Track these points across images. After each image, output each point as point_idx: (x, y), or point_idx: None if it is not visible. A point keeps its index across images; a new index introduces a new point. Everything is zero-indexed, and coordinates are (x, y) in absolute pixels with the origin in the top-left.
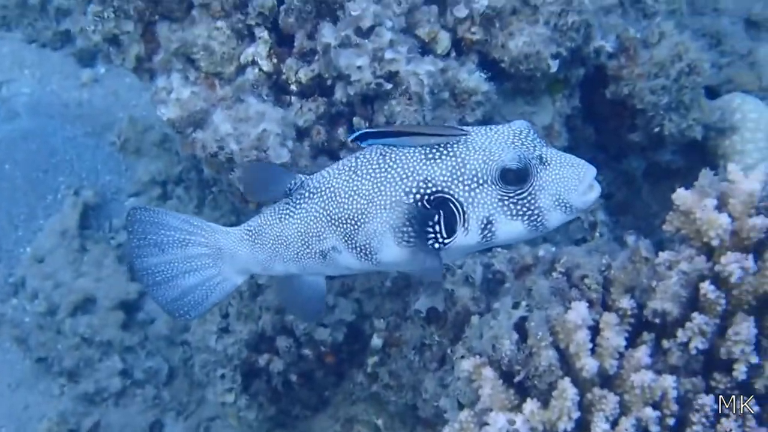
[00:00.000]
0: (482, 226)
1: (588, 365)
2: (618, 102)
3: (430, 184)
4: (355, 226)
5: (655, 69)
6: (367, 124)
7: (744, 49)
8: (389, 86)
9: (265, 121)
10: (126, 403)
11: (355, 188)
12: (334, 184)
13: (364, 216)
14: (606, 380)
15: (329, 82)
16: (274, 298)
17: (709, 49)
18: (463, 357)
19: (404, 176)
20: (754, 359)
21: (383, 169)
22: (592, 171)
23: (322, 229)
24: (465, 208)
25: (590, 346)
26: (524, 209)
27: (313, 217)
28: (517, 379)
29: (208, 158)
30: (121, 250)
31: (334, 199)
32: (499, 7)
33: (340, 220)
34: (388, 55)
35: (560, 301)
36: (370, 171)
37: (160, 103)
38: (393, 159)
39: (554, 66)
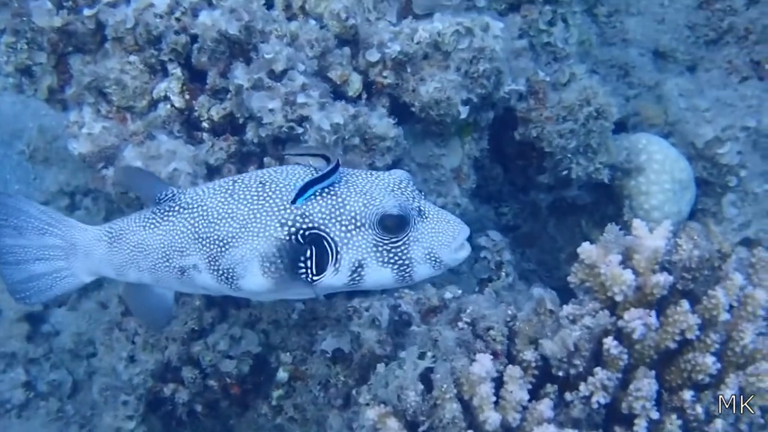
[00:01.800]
0: (353, 268)
1: (491, 419)
2: (526, 143)
3: (307, 219)
4: (222, 249)
5: (564, 112)
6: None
7: (651, 81)
8: (301, 130)
9: (176, 160)
10: (29, 415)
11: (229, 211)
12: (207, 202)
13: (233, 240)
14: None
15: (241, 121)
16: (180, 328)
17: (617, 80)
18: (368, 405)
19: (282, 207)
20: (655, 415)
21: (261, 197)
22: (466, 230)
23: (186, 246)
24: (339, 248)
25: (494, 399)
26: (396, 258)
27: (179, 232)
28: (421, 429)
29: (118, 195)
30: None
31: (204, 217)
32: (411, 53)
33: (207, 240)
34: (300, 99)
35: (465, 352)
36: (248, 196)
37: (72, 138)
38: (272, 189)
39: (464, 112)
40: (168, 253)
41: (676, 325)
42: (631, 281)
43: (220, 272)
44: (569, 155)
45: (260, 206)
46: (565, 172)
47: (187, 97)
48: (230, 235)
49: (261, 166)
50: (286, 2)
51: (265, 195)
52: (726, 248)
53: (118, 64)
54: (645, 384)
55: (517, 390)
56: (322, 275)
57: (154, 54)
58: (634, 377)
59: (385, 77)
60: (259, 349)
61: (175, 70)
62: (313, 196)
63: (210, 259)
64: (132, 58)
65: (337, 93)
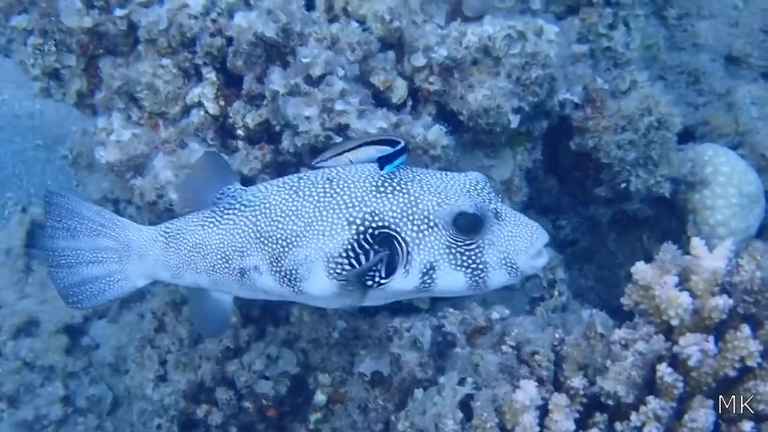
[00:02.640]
0: (424, 270)
1: None
2: (583, 154)
3: (377, 218)
4: (286, 249)
5: (623, 122)
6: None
7: (722, 89)
8: (339, 139)
9: None
10: (67, 431)
11: (294, 208)
12: (271, 200)
13: (298, 239)
14: None
15: (277, 129)
16: (214, 347)
17: (686, 87)
18: None
19: (350, 205)
20: None
21: (328, 194)
22: (545, 236)
23: (248, 246)
24: (410, 249)
25: (538, 429)
26: (470, 261)
27: (240, 231)
28: None
29: (147, 206)
30: None
31: (267, 215)
32: (459, 58)
33: (269, 239)
34: (339, 106)
35: (508, 378)
36: (314, 193)
37: (99, 145)
38: (340, 185)
39: (515, 121)
40: (227, 253)
41: (736, 351)
42: (687, 304)
43: (283, 274)
44: (628, 167)
45: (327, 204)
46: (623, 185)
47: (222, 103)
48: (294, 234)
49: None
50: (327, 3)
51: (333, 192)
52: None
53: (151, 67)
54: (701, 414)
55: (563, 420)
56: (390, 278)
57: (188, 57)
58: (689, 407)
59: (432, 83)
60: (297, 370)
61: (210, 75)
62: (384, 192)
63: (272, 259)
64: (165, 61)
65: (380, 100)
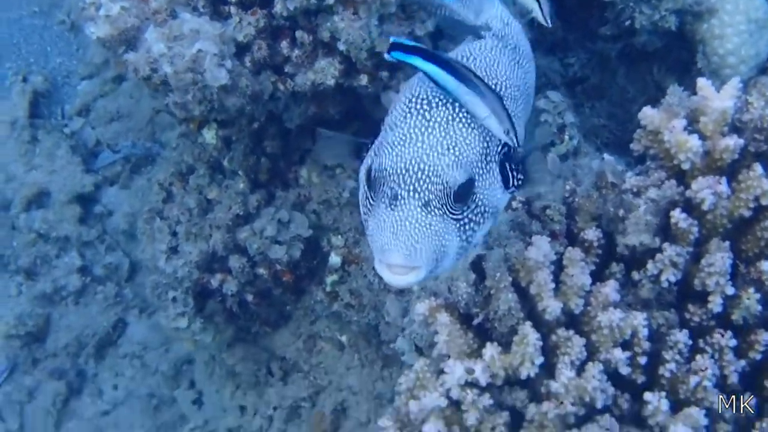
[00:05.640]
0: None
1: (551, 307)
2: None
3: None
4: None
5: None
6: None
7: None
8: (331, 0)
9: (201, 40)
10: (86, 301)
11: None
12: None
13: None
14: (572, 320)
15: None
16: (224, 215)
17: None
18: (418, 297)
19: None
20: (730, 290)
21: None
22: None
23: None
24: None
25: (553, 285)
26: None
27: None
28: (475, 321)
29: (143, 81)
30: (75, 138)
31: None
32: None
33: None
34: None
35: (520, 235)
36: None
37: (89, 21)
38: None
39: None
40: None
41: (750, 191)
42: (697, 147)
43: None
44: (632, 3)
45: None
46: (628, 22)
47: None
48: None
49: (293, 41)
50: None
51: None
52: None
53: None
54: (718, 258)
55: (578, 274)
56: None
57: None
58: (706, 251)
59: None
60: (310, 232)
61: None
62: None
63: None
64: None
65: None
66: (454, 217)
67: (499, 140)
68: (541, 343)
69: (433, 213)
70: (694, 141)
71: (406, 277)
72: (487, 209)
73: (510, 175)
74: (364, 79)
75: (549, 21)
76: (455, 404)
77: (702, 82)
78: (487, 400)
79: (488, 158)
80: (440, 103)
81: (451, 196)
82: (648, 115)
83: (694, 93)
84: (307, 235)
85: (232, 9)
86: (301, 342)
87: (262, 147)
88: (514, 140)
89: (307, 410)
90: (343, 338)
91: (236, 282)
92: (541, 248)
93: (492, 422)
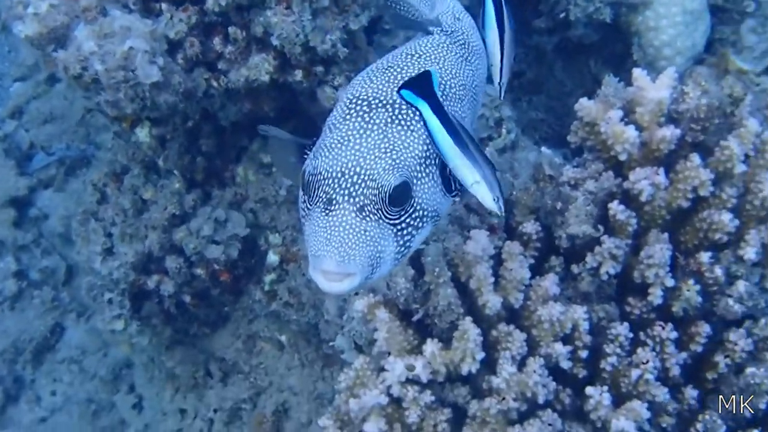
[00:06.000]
0: None
1: (491, 302)
2: None
3: None
4: None
5: None
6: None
7: None
8: None
9: (132, 37)
10: (23, 306)
11: None
12: None
13: None
14: (512, 314)
15: None
16: (159, 215)
17: None
18: (356, 294)
19: None
20: (670, 282)
21: None
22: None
23: None
24: None
25: (492, 280)
26: None
27: None
28: (415, 318)
29: (73, 80)
30: (8, 141)
31: None
32: None
33: None
34: None
35: (458, 230)
36: None
37: (17, 19)
38: None
39: None
40: None
41: (688, 181)
42: (634, 138)
43: None
44: None
45: None
46: (562, 14)
47: None
48: None
49: (226, 37)
50: None
51: None
52: (737, 92)
53: None
54: (657, 250)
55: (517, 267)
56: None
57: None
58: (645, 243)
59: None
60: (247, 231)
61: None
62: None
63: None
64: None
65: None
66: (391, 222)
67: None
68: (481, 338)
69: (368, 218)
70: (630, 132)
71: (340, 284)
72: (426, 213)
73: (452, 179)
74: (298, 75)
75: (502, 93)
76: (396, 402)
77: (637, 73)
78: (428, 396)
79: (428, 162)
80: (380, 105)
81: (386, 201)
82: (584, 106)
83: (630, 84)
84: (245, 234)
85: (164, 5)
86: (240, 342)
87: (197, 145)
88: (502, 209)
89: (248, 412)
90: (283, 338)
91: (173, 283)
92: (480, 242)
93: (434, 419)
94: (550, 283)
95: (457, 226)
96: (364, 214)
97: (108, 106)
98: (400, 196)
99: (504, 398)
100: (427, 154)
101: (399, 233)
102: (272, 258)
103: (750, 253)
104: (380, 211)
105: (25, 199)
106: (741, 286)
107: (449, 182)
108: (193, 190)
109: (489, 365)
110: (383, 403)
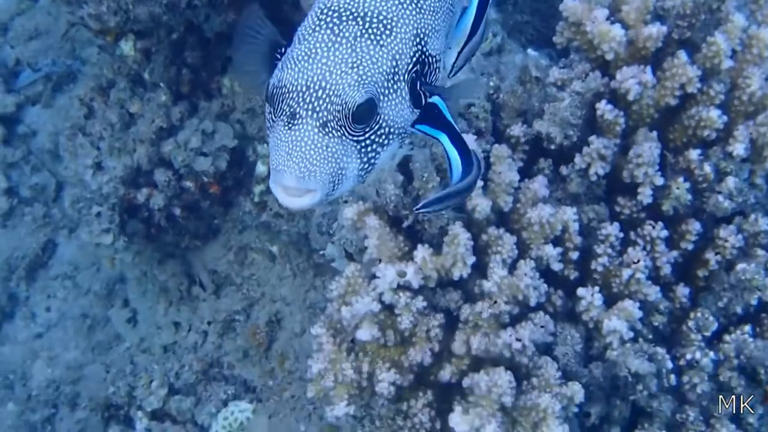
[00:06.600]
0: None
1: (480, 205)
2: None
3: None
4: None
5: None
6: None
7: None
8: None
9: None
10: (14, 224)
11: None
12: None
13: None
14: (501, 218)
15: None
16: (146, 128)
17: None
18: (346, 202)
19: None
20: (659, 180)
21: None
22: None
23: None
24: None
25: (481, 184)
26: None
27: None
28: (405, 224)
29: None
30: None
31: None
32: None
33: None
34: None
35: None
36: None
37: None
38: None
39: None
40: None
41: (675, 79)
42: (620, 36)
43: None
44: None
45: None
46: None
47: None
48: None
49: None
50: None
51: None
52: None
53: None
54: (646, 148)
55: (506, 170)
56: None
57: None
58: (633, 142)
59: None
60: (235, 143)
61: None
62: None
63: None
64: None
65: None
66: (354, 138)
67: (410, 58)
68: (472, 242)
69: (331, 134)
70: (616, 30)
71: (300, 200)
72: (392, 131)
73: (422, 95)
74: None
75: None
76: (388, 308)
77: None
78: (420, 302)
79: (396, 77)
80: (350, 18)
81: (350, 118)
82: (570, 6)
83: None
84: (233, 145)
85: None
86: (231, 254)
87: (182, 57)
88: None
89: (242, 323)
90: (274, 248)
91: (163, 196)
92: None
93: (426, 325)
94: (539, 185)
95: None
96: (326, 130)
97: (91, 19)
98: (364, 113)
99: (496, 302)
100: (396, 69)
101: (363, 150)
102: (261, 169)
103: (739, 149)
104: (343, 128)
105: (13, 116)
106: (730, 182)
107: (418, 98)
108: (180, 102)
109: (480, 269)
110: (375, 310)
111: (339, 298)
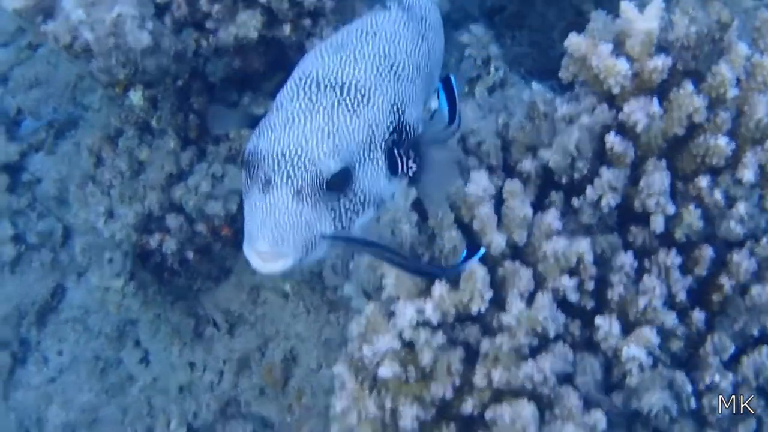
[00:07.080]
0: None
1: (495, 241)
2: None
3: None
4: None
5: None
6: None
7: None
8: None
9: (119, 4)
10: (23, 270)
11: None
12: None
13: None
14: (516, 252)
15: None
16: (157, 175)
17: None
18: None
19: None
20: (671, 210)
21: None
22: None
23: None
24: None
25: (496, 219)
26: None
27: None
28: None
29: (64, 49)
30: None
31: None
32: None
33: None
34: None
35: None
36: None
37: None
38: None
39: None
40: None
41: (682, 109)
42: (626, 70)
43: None
44: None
45: None
46: None
47: None
48: None
49: None
50: None
51: None
52: (725, 17)
53: None
54: (657, 178)
55: (519, 205)
56: None
57: None
58: (643, 172)
59: None
60: None
61: None
62: None
63: None
64: None
65: None
66: (329, 206)
67: (387, 127)
68: (489, 277)
69: (304, 201)
70: (622, 64)
71: (273, 265)
72: (368, 198)
73: (399, 161)
74: (287, 29)
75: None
76: (409, 345)
77: (625, 5)
78: (440, 338)
79: (373, 146)
80: (328, 87)
81: (324, 186)
82: (574, 42)
83: (617, 17)
84: None
85: None
86: (244, 294)
87: (188, 104)
88: None
89: (257, 361)
90: (287, 287)
91: (176, 240)
92: (481, 183)
93: (447, 359)
94: (552, 218)
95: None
96: (301, 197)
97: (100, 72)
98: (339, 182)
99: (515, 335)
100: (373, 138)
101: (337, 217)
102: None
103: (748, 175)
104: (317, 195)
105: (17, 165)
106: (741, 207)
107: (395, 166)
108: (188, 147)
109: (497, 303)
110: (396, 348)
111: (359, 336)
